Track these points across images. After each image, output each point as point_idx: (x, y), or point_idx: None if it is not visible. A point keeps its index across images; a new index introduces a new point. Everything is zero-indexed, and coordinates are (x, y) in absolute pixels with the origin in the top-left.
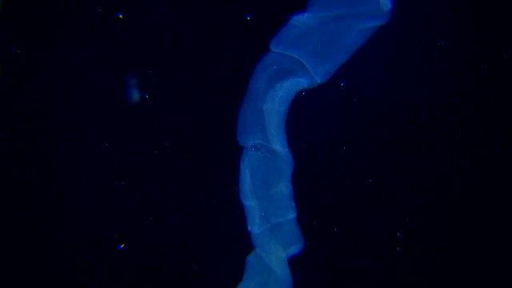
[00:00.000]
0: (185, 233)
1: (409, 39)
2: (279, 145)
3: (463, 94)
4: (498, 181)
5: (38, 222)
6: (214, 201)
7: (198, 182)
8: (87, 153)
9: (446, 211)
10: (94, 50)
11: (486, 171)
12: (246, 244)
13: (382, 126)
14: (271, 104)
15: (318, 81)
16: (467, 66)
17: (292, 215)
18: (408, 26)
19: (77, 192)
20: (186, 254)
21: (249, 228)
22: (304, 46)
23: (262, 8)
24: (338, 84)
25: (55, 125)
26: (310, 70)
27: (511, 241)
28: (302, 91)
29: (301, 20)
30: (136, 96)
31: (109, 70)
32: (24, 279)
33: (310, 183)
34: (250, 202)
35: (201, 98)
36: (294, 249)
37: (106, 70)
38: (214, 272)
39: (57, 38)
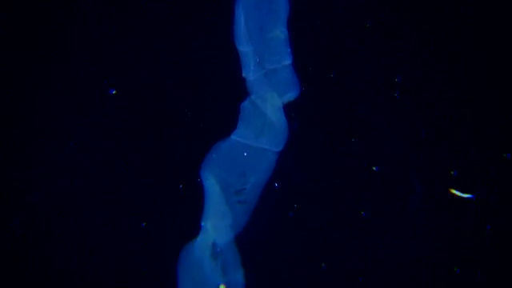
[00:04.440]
0: (178, 78)
1: None
2: None
3: None
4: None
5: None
6: (208, 46)
7: (192, 25)
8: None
9: (446, 56)
10: None
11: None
12: (240, 90)
13: None
14: None
15: None
16: None
17: (287, 61)
18: None
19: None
20: (180, 98)
21: (243, 74)
22: None
23: None
24: None
25: None
26: None
27: None
28: None
29: None
30: None
31: None
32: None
33: (305, 28)
34: (244, 48)
35: None
36: (290, 95)
37: None
38: (207, 116)
39: None
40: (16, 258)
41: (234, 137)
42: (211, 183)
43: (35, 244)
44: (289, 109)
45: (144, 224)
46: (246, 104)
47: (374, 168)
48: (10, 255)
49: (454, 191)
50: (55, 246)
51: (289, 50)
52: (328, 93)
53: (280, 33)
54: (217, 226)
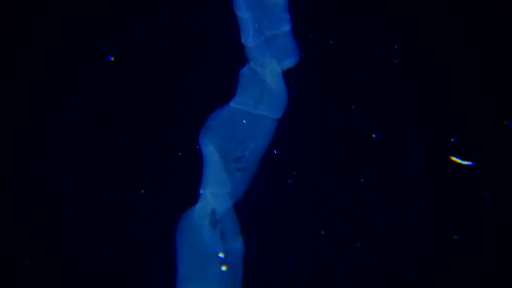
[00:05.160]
0: (177, 45)
1: None
2: None
3: None
4: None
5: None
6: (207, 12)
7: None
8: None
9: (446, 21)
10: None
11: None
12: (239, 57)
13: None
14: None
15: None
16: None
17: (287, 27)
18: None
19: None
20: (179, 65)
21: (243, 40)
22: None
23: None
24: None
25: None
26: None
27: None
28: None
29: None
30: None
31: None
32: None
33: None
34: (243, 14)
35: None
36: (289, 62)
37: None
38: (206, 83)
39: None
40: (15, 224)
41: (232, 104)
42: (210, 150)
43: (35, 210)
44: (288, 75)
45: (142, 191)
46: (245, 71)
47: (373, 135)
48: (8, 223)
49: (454, 158)
50: (53, 213)
51: (288, 16)
52: (327, 59)
53: None
54: (216, 194)
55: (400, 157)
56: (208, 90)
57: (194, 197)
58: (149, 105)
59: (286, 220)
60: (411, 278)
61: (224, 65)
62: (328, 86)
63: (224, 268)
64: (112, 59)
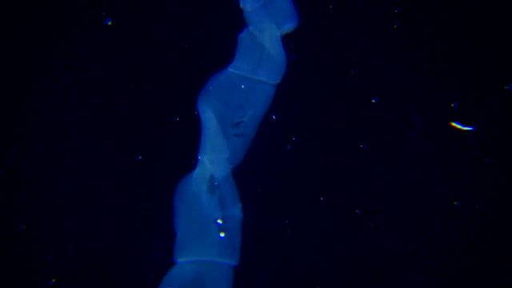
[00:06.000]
0: (174, 8)
1: None
2: None
3: None
4: None
5: None
6: None
7: None
8: None
9: None
10: None
11: None
12: (238, 21)
13: None
14: None
15: None
16: None
17: None
18: None
19: None
20: (177, 30)
21: (241, 5)
22: None
23: None
24: None
25: None
26: None
27: None
28: None
29: None
30: None
31: None
32: None
33: None
34: None
35: None
36: (288, 26)
37: None
38: (204, 47)
39: None
40: (12, 190)
41: (231, 69)
42: (208, 116)
43: (33, 175)
44: (287, 40)
45: (140, 157)
46: (243, 35)
47: (373, 100)
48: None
49: (454, 124)
50: (50, 179)
51: None
52: (327, 24)
53: None
54: (214, 160)
55: (400, 122)
56: (206, 55)
57: (192, 163)
58: (147, 70)
59: (285, 186)
60: (411, 245)
61: (222, 29)
62: (327, 50)
63: (222, 234)
64: (109, 23)
